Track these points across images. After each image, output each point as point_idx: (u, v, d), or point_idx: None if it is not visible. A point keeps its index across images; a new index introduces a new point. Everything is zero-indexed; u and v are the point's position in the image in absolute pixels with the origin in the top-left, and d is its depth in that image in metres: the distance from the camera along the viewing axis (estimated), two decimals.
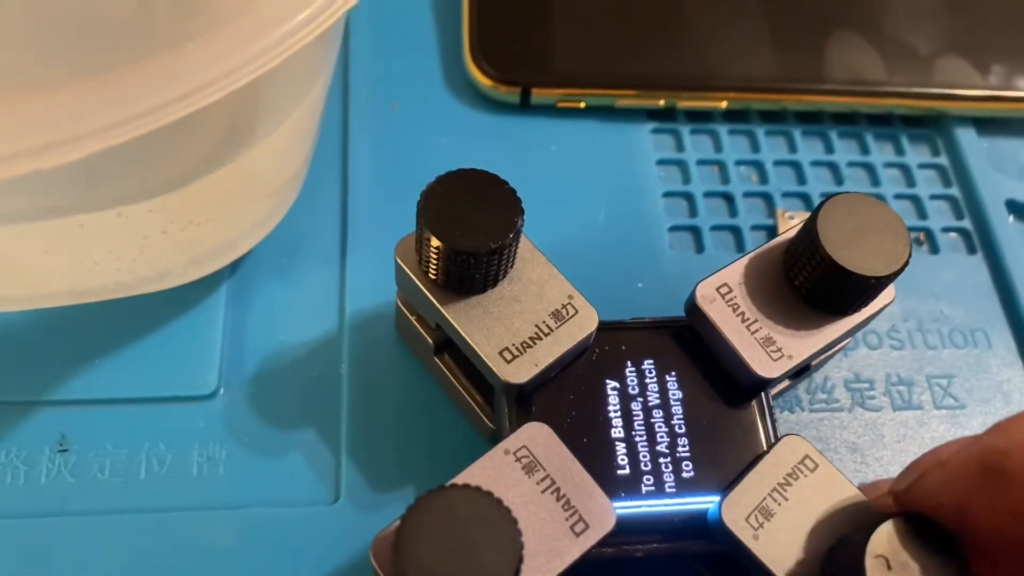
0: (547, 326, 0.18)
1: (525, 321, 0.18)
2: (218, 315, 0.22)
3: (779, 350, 0.19)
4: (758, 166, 0.27)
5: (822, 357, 0.22)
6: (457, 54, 0.27)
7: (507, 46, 0.26)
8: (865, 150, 0.27)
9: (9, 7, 0.13)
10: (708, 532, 0.18)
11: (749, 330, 0.19)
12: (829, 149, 0.27)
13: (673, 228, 0.25)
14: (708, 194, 0.26)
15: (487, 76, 0.26)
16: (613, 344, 0.20)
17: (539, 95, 0.26)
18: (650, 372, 0.19)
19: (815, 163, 0.27)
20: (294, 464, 0.21)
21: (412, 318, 0.20)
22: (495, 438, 0.21)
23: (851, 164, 0.27)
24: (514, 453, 0.17)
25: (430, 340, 0.20)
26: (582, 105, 0.26)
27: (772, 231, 0.25)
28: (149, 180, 0.16)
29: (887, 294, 0.20)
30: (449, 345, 0.21)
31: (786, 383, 0.22)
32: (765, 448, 0.19)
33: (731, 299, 0.19)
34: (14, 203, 0.16)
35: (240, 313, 0.22)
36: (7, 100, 0.14)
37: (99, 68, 0.14)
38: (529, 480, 0.17)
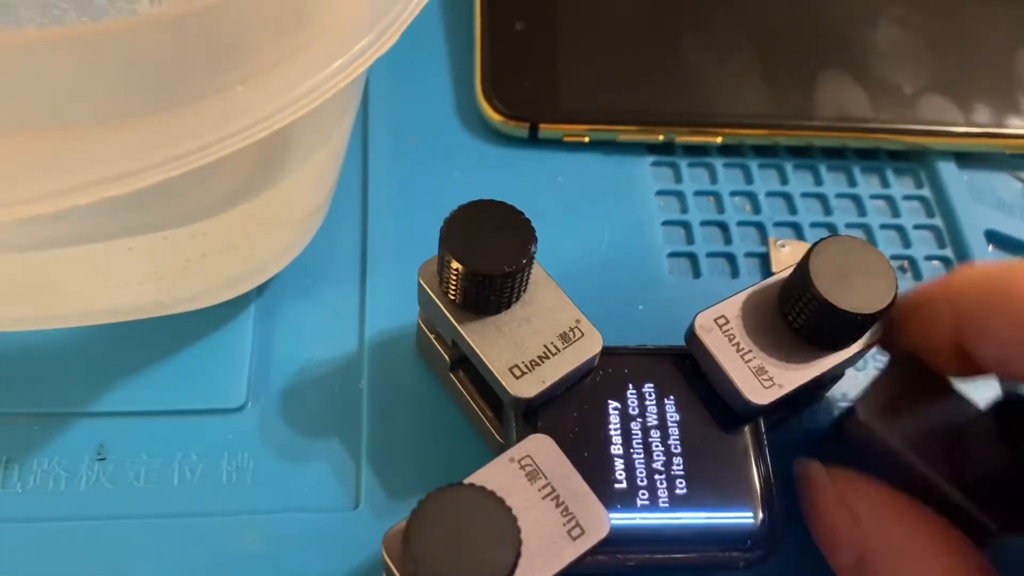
0: (555, 347, 0.20)
1: (535, 341, 0.20)
2: (247, 333, 0.24)
3: (771, 379, 0.20)
4: (751, 197, 0.28)
5: (818, 395, 0.23)
6: (470, 92, 0.29)
7: (516, 84, 0.28)
8: (852, 182, 0.29)
9: (97, 51, 0.14)
10: (699, 544, 0.19)
11: (743, 359, 0.20)
12: (818, 181, 0.29)
13: (672, 255, 0.27)
14: (704, 223, 0.27)
15: (498, 112, 0.28)
16: (616, 367, 0.21)
17: (546, 130, 0.28)
18: (650, 395, 0.21)
19: (805, 195, 0.28)
20: (317, 473, 0.22)
21: (431, 336, 0.22)
22: (503, 451, 0.22)
23: (839, 196, 0.29)
24: (518, 461, 0.18)
25: (447, 357, 0.22)
26: (586, 139, 0.28)
27: (765, 258, 0.27)
28: (195, 207, 0.18)
29: (875, 332, 0.21)
30: (464, 363, 0.22)
31: (783, 414, 0.23)
32: (756, 471, 0.20)
33: (728, 330, 0.20)
34: (76, 228, 0.17)
35: (267, 332, 0.24)
36: (77, 136, 0.15)
37: (156, 108, 0.16)
38: (531, 486, 0.18)
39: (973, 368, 0.19)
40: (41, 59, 0.14)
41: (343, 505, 0.22)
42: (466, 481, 0.18)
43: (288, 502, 0.22)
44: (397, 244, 0.26)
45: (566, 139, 0.28)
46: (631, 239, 0.27)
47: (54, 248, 0.18)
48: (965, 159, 0.30)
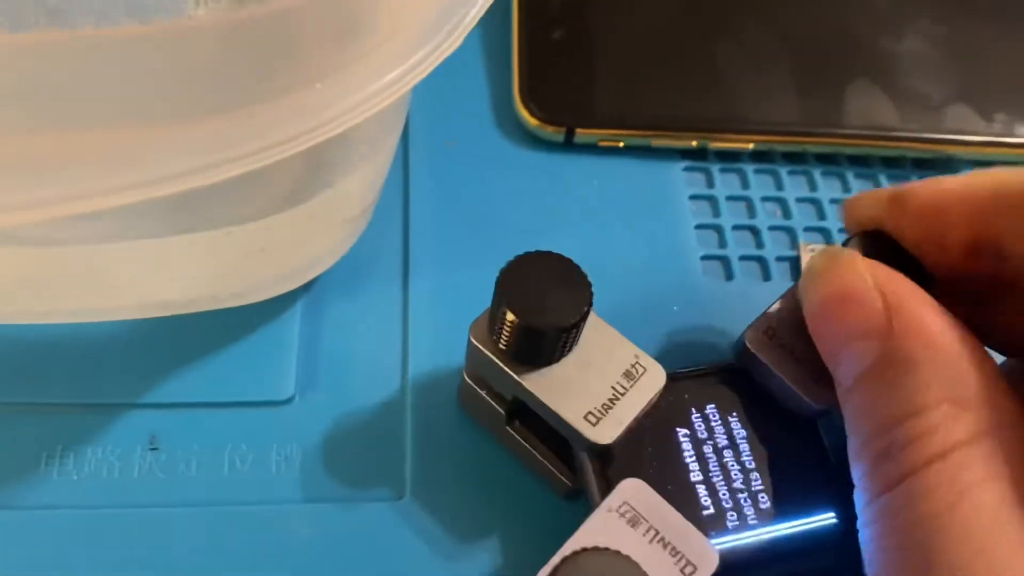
0: (621, 386, 0.19)
1: (601, 385, 0.19)
2: (294, 328, 0.24)
3: (828, 378, 0.19)
4: (782, 202, 0.29)
5: None
6: (507, 97, 0.30)
7: (553, 90, 0.29)
8: None
9: (169, 50, 0.15)
10: (793, 552, 0.20)
11: (798, 365, 0.20)
12: (846, 188, 0.30)
13: (705, 257, 0.27)
14: (736, 227, 0.28)
15: (535, 117, 0.28)
16: (676, 394, 0.21)
17: (582, 135, 0.28)
18: (714, 416, 0.21)
19: (834, 201, 0.29)
20: (363, 463, 0.23)
21: (482, 392, 0.22)
22: (572, 495, 0.22)
23: None
24: (617, 510, 0.18)
25: (501, 411, 0.22)
26: (621, 144, 0.29)
27: (795, 262, 0.28)
28: (260, 203, 0.18)
29: None
30: (519, 413, 0.22)
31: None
32: (828, 471, 0.20)
33: (778, 340, 0.21)
34: (144, 222, 0.18)
35: (314, 327, 0.25)
36: (156, 132, 0.16)
37: (234, 105, 0.16)
38: (635, 532, 0.18)
39: (986, 265, 0.19)
40: (110, 57, 0.15)
41: (389, 495, 0.22)
42: (576, 539, 0.18)
43: (335, 492, 0.22)
44: (438, 243, 0.26)
45: (601, 144, 0.29)
46: (665, 242, 0.27)
47: (120, 242, 0.19)
48: (989, 168, 0.30)
